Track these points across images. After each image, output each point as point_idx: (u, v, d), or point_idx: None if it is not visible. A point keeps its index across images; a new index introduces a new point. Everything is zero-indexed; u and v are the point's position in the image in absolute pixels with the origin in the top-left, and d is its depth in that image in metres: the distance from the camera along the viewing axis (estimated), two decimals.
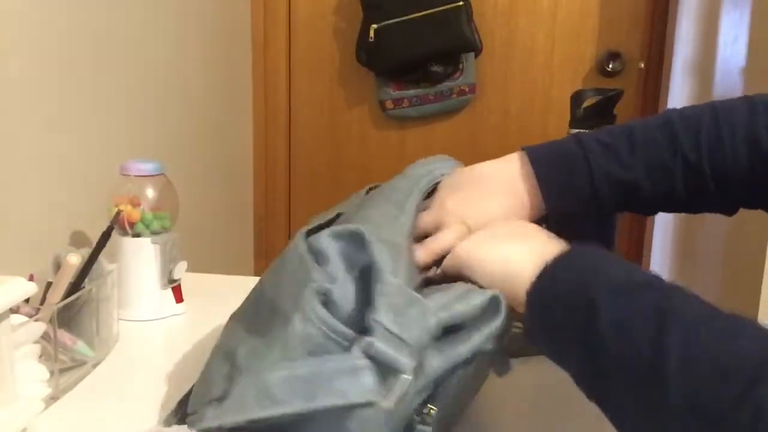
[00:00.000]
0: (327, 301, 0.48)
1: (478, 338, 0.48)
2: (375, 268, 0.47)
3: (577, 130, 1.06)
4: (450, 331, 0.48)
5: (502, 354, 0.53)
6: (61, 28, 0.96)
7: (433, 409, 0.51)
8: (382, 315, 0.45)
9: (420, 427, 0.49)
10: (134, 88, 1.19)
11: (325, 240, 0.51)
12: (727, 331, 0.38)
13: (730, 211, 0.62)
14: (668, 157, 0.59)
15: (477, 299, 0.48)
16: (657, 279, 0.44)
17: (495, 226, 0.57)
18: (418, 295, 0.46)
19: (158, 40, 1.28)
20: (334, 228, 0.51)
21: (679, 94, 1.68)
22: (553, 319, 0.46)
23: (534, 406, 0.65)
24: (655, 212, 0.65)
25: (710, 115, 0.59)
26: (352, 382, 0.43)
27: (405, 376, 0.44)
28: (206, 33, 1.53)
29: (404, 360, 0.44)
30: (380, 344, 0.44)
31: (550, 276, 0.47)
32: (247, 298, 0.59)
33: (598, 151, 0.60)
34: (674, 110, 0.62)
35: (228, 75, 1.70)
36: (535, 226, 0.56)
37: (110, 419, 0.62)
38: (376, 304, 0.45)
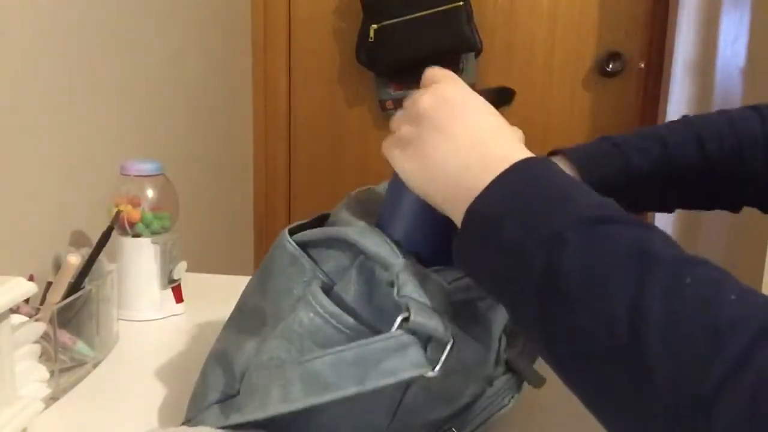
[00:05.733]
0: (329, 293, 0.49)
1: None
2: (375, 258, 0.48)
3: None
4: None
5: (532, 368, 0.53)
6: (61, 28, 0.96)
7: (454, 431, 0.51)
8: (409, 289, 0.45)
9: None
10: (134, 88, 1.19)
11: (317, 239, 0.51)
12: (711, 286, 0.33)
13: (737, 209, 0.67)
14: (696, 159, 0.63)
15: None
16: (621, 210, 0.38)
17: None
18: (427, 270, 0.47)
19: (158, 39, 1.28)
20: (316, 239, 0.51)
21: (679, 94, 1.68)
22: (498, 246, 0.38)
23: (535, 404, 0.65)
24: (673, 210, 0.70)
25: (726, 119, 0.64)
26: (400, 358, 0.44)
27: (448, 343, 0.44)
28: (206, 33, 1.53)
29: (441, 327, 0.44)
30: (417, 317, 0.44)
31: (497, 187, 0.40)
32: (236, 305, 0.59)
33: (633, 152, 0.64)
34: (688, 116, 0.67)
35: (228, 75, 1.70)
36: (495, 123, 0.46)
37: (110, 419, 0.62)
38: (399, 282, 0.45)
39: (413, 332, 0.44)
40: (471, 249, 0.41)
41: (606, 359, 0.33)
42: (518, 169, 0.41)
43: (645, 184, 0.64)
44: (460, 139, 0.44)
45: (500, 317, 0.50)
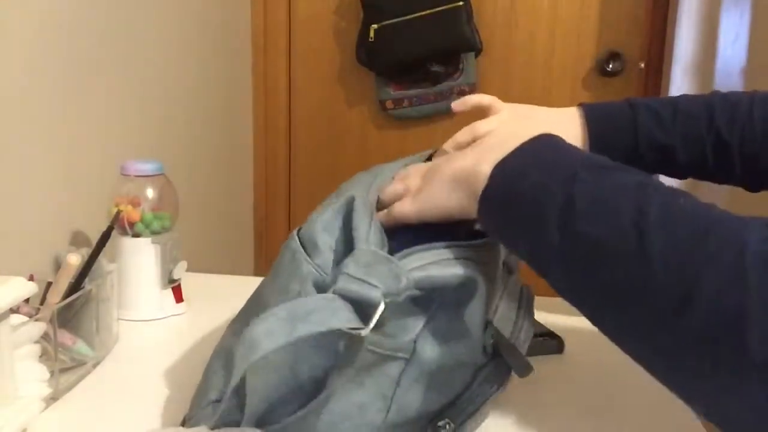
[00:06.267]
0: (324, 287, 0.49)
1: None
2: (354, 233, 0.49)
3: None
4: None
5: (520, 354, 0.53)
6: (61, 27, 0.96)
7: (450, 424, 0.51)
8: (349, 268, 0.46)
9: None
10: (135, 88, 1.19)
11: (317, 232, 0.51)
12: (702, 206, 0.38)
13: (753, 188, 0.68)
14: (704, 130, 0.68)
15: (458, 270, 0.48)
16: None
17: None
18: (390, 256, 0.47)
19: (159, 40, 1.28)
20: (323, 217, 0.51)
21: (679, 94, 1.67)
22: (523, 191, 0.44)
23: (535, 404, 0.65)
24: (686, 177, 0.73)
25: (748, 100, 0.68)
26: (331, 314, 0.44)
27: (380, 304, 0.45)
28: (206, 33, 1.53)
29: (373, 293, 0.45)
30: (346, 284, 0.45)
31: (520, 152, 0.46)
32: (246, 303, 0.59)
33: (646, 115, 0.69)
34: (718, 92, 0.71)
35: (228, 75, 1.70)
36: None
37: (110, 419, 0.62)
38: (344, 263, 0.47)
39: (344, 297, 0.45)
40: (496, 200, 0.46)
41: (616, 262, 0.37)
42: (537, 140, 0.46)
43: (653, 141, 0.68)
44: (467, 154, 0.50)
45: (480, 307, 0.50)
